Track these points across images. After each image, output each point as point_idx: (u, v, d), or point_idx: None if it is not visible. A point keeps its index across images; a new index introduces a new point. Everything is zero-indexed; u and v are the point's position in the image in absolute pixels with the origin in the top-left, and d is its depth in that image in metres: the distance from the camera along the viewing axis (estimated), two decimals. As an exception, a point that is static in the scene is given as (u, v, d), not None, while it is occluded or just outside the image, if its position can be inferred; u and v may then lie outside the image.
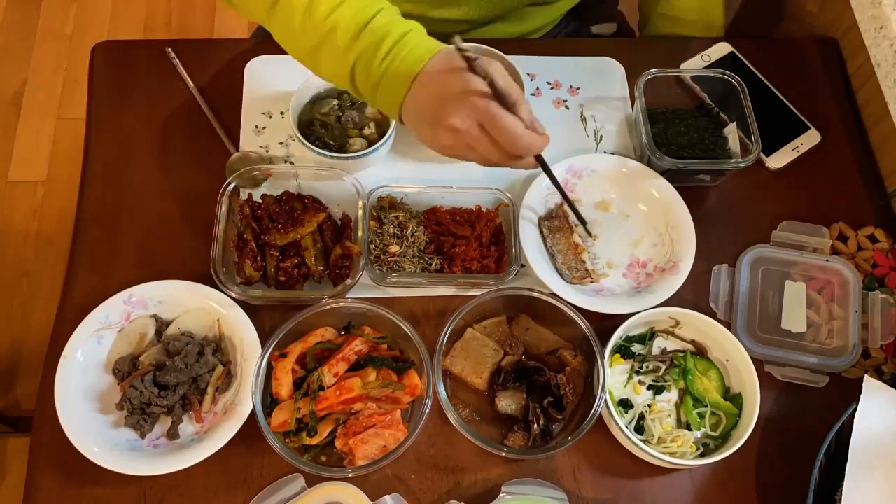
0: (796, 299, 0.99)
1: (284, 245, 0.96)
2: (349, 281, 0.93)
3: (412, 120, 0.82)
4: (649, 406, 0.92)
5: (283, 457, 0.82)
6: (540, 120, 1.09)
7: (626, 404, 0.92)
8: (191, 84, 1.10)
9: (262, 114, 1.09)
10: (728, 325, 0.95)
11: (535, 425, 0.88)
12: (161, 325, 0.93)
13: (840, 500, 0.82)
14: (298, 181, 1.02)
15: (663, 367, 0.93)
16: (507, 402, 0.90)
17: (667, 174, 1.03)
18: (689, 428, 0.91)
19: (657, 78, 1.06)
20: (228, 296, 0.92)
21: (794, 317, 0.98)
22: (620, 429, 0.86)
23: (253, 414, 0.84)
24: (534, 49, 1.17)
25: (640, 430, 0.91)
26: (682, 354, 0.94)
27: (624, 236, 1.04)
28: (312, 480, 0.85)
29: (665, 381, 0.93)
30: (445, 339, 0.89)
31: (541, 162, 0.85)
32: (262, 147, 1.07)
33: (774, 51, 1.20)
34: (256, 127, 1.08)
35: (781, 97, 1.14)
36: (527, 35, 1.24)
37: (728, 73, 1.07)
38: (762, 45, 1.21)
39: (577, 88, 1.15)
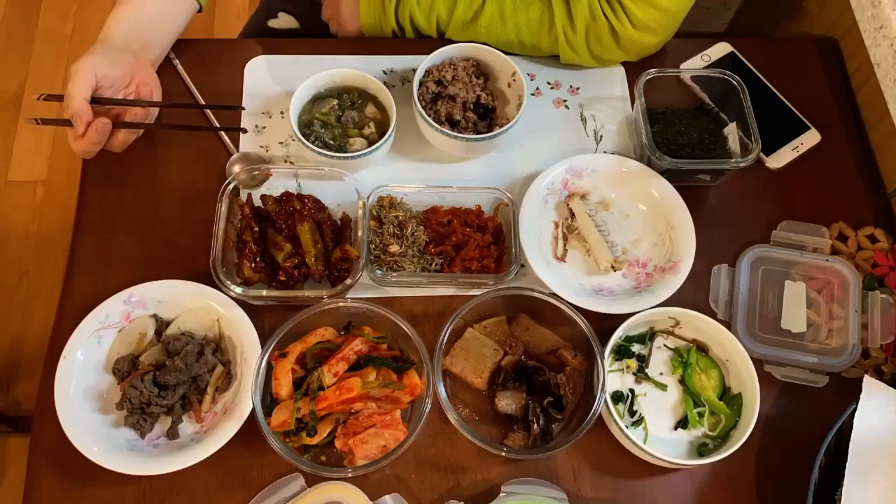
0: (796, 299, 0.99)
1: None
2: (349, 281, 0.93)
3: None
4: (632, 391, 0.93)
5: (283, 457, 0.82)
6: (540, 120, 1.10)
7: (619, 396, 0.92)
8: (191, 84, 1.10)
9: (262, 114, 1.09)
10: (728, 325, 0.95)
11: (535, 425, 0.88)
12: (161, 324, 0.93)
13: (840, 499, 0.83)
14: (298, 181, 1.02)
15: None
16: (507, 402, 0.90)
17: (667, 174, 1.03)
18: (686, 425, 0.91)
19: (657, 78, 1.06)
20: (228, 296, 0.92)
21: (794, 317, 0.98)
22: (620, 429, 0.86)
23: (253, 414, 0.84)
24: (534, 49, 1.17)
25: (633, 413, 0.92)
26: (686, 348, 0.95)
27: (624, 236, 1.04)
28: (312, 480, 0.85)
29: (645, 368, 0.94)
30: (445, 338, 0.89)
31: None
32: (262, 147, 1.07)
33: (774, 51, 1.20)
34: (256, 127, 1.08)
35: (781, 97, 1.14)
36: None
37: (728, 73, 1.07)
38: (762, 45, 1.21)
39: (577, 88, 1.14)
